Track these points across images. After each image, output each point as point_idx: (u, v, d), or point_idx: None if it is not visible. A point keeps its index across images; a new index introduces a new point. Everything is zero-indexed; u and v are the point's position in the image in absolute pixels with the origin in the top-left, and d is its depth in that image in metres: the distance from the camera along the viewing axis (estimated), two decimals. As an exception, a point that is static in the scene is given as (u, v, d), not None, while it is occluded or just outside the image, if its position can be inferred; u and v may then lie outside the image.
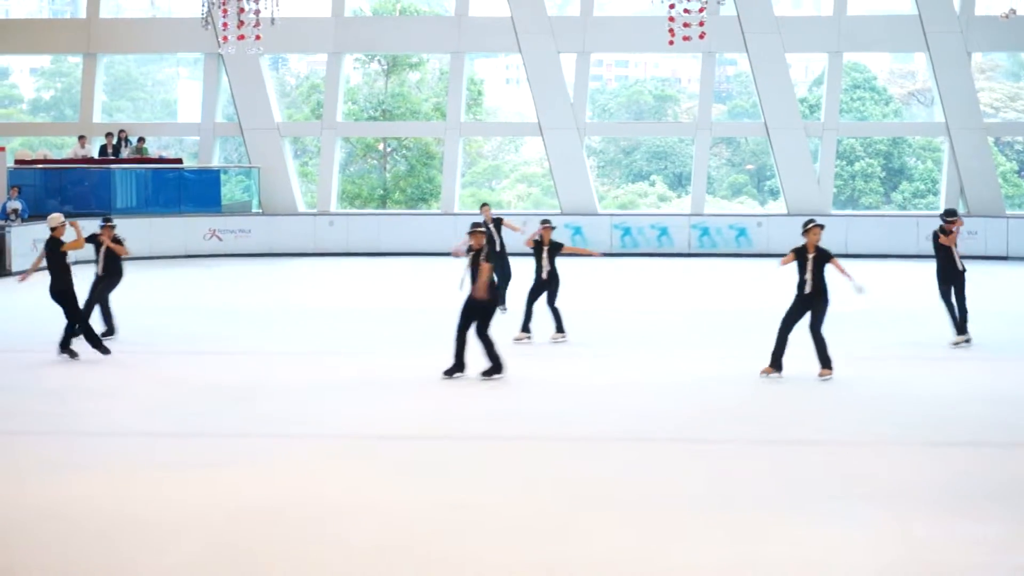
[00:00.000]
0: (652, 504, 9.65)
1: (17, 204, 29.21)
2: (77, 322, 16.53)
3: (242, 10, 24.50)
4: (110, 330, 18.00)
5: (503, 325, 17.02)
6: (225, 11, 24.93)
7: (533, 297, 17.88)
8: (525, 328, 17.79)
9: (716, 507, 9.55)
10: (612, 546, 8.61)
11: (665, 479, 10.46)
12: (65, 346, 16.56)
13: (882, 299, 23.02)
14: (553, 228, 17.99)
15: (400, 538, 8.83)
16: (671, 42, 25.05)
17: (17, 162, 32.98)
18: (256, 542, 8.77)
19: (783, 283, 22.94)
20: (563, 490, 10.04)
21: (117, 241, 17.79)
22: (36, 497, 9.86)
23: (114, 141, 33.42)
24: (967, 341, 17.63)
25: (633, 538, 8.80)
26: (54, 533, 8.95)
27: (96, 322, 17.34)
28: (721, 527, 9.03)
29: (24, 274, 17.87)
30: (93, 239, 17.80)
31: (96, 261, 17.91)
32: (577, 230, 33.58)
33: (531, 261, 17.87)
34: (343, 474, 10.60)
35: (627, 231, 33.79)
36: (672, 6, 23.54)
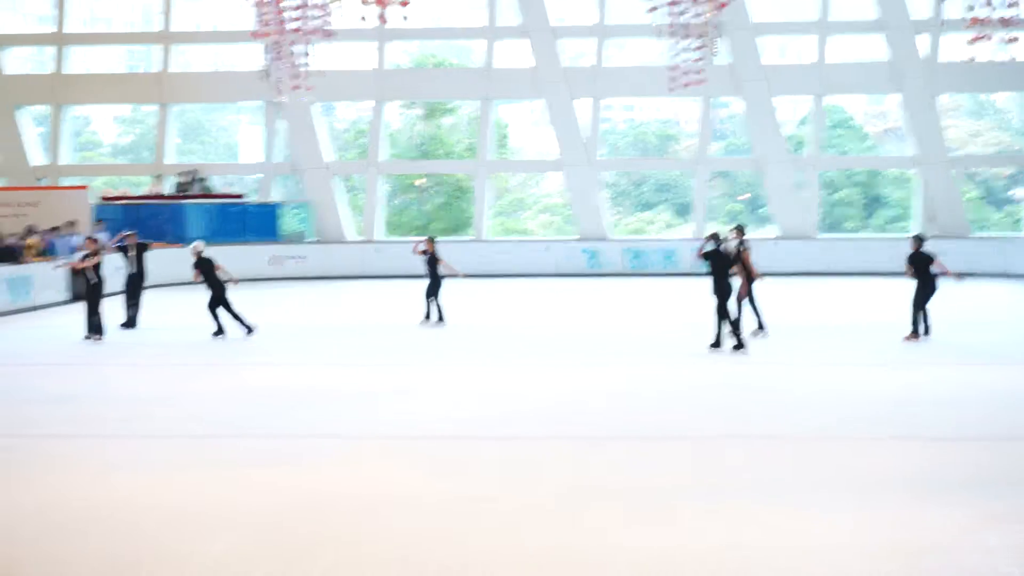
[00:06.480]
0: (644, 494, 9.48)
1: (101, 237, 29.20)
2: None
3: (296, 64, 24.68)
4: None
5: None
6: (281, 64, 25.10)
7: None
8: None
9: (702, 496, 9.40)
10: (609, 531, 8.50)
11: (656, 472, 10.29)
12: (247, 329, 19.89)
13: (860, 311, 22.93)
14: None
15: (426, 527, 8.72)
16: (672, 88, 25.07)
17: (103, 199, 33.25)
18: (300, 531, 8.63)
19: (773, 299, 22.83)
20: (566, 482, 9.89)
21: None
22: (94, 494, 9.73)
23: (186, 180, 33.63)
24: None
25: (627, 524, 8.69)
26: (118, 523, 8.84)
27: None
28: (708, 514, 8.90)
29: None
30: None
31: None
32: (593, 254, 33.56)
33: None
34: (381, 471, 10.49)
35: (637, 254, 33.76)
36: (674, 57, 23.61)
